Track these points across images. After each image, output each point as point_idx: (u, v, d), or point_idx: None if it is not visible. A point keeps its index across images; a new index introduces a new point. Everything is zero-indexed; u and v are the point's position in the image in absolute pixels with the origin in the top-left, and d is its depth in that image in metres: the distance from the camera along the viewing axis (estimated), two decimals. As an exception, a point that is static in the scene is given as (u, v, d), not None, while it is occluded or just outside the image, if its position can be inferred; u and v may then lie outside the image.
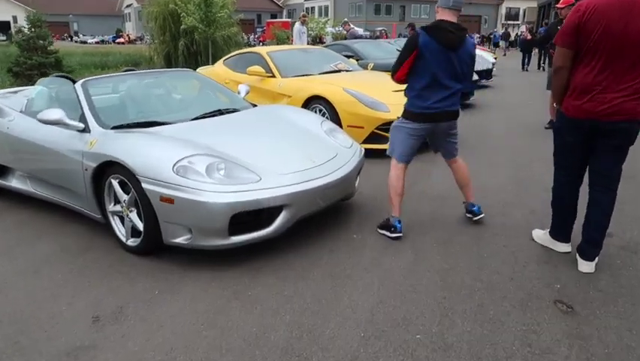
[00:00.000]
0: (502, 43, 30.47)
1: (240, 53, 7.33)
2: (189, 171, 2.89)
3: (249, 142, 3.42)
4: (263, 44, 34.95)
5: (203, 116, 3.80)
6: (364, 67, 9.12)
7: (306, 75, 6.38)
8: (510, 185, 4.54)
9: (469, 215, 3.63)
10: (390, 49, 10.39)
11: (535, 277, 2.79)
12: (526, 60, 18.11)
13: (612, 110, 2.66)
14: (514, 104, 9.64)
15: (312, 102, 5.75)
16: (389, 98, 5.60)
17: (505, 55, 27.18)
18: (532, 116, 8.02)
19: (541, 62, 17.84)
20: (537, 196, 4.08)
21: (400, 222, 3.33)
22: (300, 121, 3.95)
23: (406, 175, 3.39)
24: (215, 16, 21.45)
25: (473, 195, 3.62)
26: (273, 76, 6.40)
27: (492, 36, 32.94)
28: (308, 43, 21.32)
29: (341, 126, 5.46)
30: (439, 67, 3.08)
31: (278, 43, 23.45)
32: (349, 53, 9.37)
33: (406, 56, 3.12)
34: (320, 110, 5.67)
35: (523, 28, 50.00)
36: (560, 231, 3.14)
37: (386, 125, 5.40)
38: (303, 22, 12.09)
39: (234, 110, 4.04)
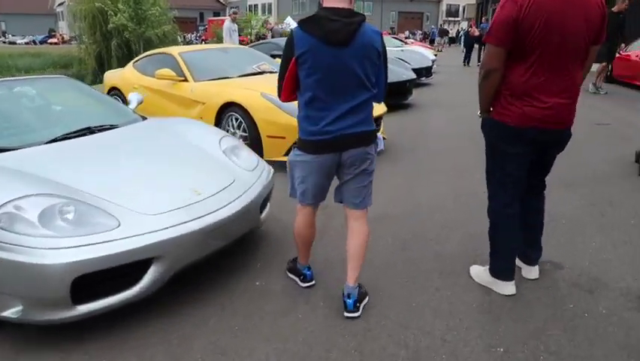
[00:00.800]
0: (438, 40, 30.63)
1: (151, 54, 6.49)
2: (16, 220, 2.13)
3: (115, 172, 2.67)
4: (205, 43, 33.68)
5: (66, 137, 3.00)
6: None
7: (223, 78, 5.65)
8: (448, 201, 4.01)
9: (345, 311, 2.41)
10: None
11: (473, 337, 2.22)
12: (469, 56, 18.07)
13: (556, 117, 2.33)
14: (454, 103, 9.26)
15: (228, 110, 5.03)
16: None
17: (441, 51, 27.29)
18: (472, 117, 7.60)
19: (481, 57, 17.85)
20: (478, 216, 3.56)
21: (309, 268, 2.68)
22: (194, 139, 3.23)
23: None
24: (146, 13, 20.27)
25: (357, 278, 2.40)
26: (185, 80, 5.62)
27: (430, 32, 33.24)
28: (250, 42, 20.47)
29: (259, 137, 4.79)
30: (327, 72, 2.16)
31: (218, 42, 22.45)
32: (279, 52, 8.71)
33: (285, 66, 2.27)
34: (237, 120, 4.96)
35: (465, 24, 51.03)
36: (502, 265, 2.61)
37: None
38: (234, 20, 11.28)
39: (111, 127, 3.27)
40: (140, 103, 3.93)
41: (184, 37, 57.60)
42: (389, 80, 2.44)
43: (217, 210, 2.56)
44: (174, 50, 6.09)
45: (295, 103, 2.37)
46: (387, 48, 2.49)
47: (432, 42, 29.96)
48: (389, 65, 2.48)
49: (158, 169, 2.78)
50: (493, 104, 2.47)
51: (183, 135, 3.28)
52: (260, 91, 4.93)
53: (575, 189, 4.02)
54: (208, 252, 2.57)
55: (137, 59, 6.66)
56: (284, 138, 4.75)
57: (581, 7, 2.21)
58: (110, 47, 21.21)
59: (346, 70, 2.18)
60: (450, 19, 58.25)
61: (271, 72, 6.12)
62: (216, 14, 65.25)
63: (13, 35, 66.88)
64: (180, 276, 2.45)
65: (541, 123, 2.33)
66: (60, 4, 65.34)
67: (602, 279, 2.71)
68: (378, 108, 5.51)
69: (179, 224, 2.38)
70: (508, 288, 2.57)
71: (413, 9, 57.83)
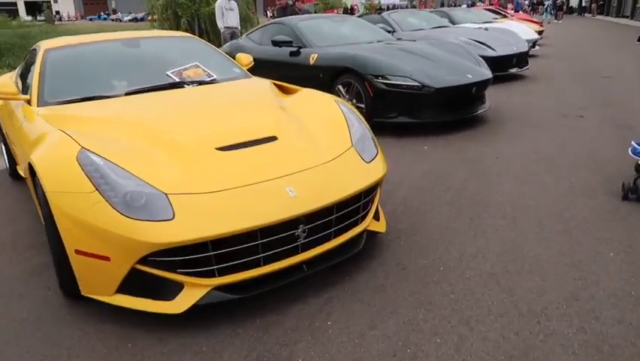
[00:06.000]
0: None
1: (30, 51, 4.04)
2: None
3: None
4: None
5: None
6: (307, 58, 5.73)
7: (95, 98, 3.06)
8: None
9: None
10: (368, 28, 6.83)
11: None
12: None
13: None
14: (551, 119, 5.88)
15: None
16: (194, 171, 2.26)
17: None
18: (577, 152, 4.34)
19: None
20: None
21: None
22: None
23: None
24: (201, -13, 18.41)
25: None
26: (29, 101, 3.13)
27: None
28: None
29: (62, 249, 2.17)
30: None
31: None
32: (283, 38, 5.96)
33: None
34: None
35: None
36: None
37: (167, 257, 2.07)
38: (230, -5, 8.68)
39: None
40: None
41: (273, 12, 55.83)
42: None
43: None
44: (43, 45, 3.59)
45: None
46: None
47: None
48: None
49: None
50: None
51: None
52: (83, 145, 2.26)
53: None
54: None
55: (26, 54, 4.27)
56: (108, 259, 2.08)
57: None
58: (180, 25, 19.96)
59: None
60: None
61: (200, 82, 3.44)
62: (308, -13, 62.77)
63: (121, 13, 70.42)
64: None
65: None
66: (162, -19, 66.86)
67: None
68: (372, 171, 2.63)
69: None
70: None
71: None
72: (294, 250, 2.29)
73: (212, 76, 3.56)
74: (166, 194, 2.09)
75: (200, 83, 3.45)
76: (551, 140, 4.81)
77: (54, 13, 69.96)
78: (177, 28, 20.22)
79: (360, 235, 2.59)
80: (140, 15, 62.64)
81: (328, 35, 6.13)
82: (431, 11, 10.41)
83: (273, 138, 2.56)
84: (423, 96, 4.91)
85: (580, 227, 2.96)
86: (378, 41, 6.14)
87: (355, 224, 2.55)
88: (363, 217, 2.60)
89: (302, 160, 2.45)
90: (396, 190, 3.65)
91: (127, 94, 3.17)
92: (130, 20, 60.23)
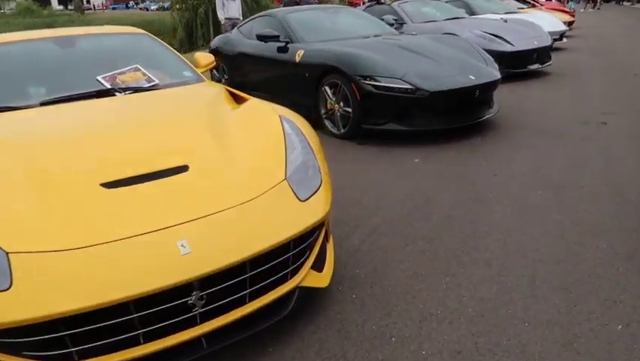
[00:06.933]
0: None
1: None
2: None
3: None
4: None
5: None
6: (294, 54, 5.19)
7: (3, 110, 2.59)
8: None
9: None
10: (365, 20, 6.22)
11: None
12: None
13: None
14: (562, 128, 5.17)
15: None
16: (61, 217, 1.74)
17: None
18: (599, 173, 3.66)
19: None
20: None
21: None
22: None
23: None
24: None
25: None
26: None
27: None
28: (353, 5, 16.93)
29: None
30: None
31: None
32: (269, 32, 5.42)
33: None
34: None
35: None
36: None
37: (5, 337, 1.56)
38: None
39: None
40: None
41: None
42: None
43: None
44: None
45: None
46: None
47: None
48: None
49: None
50: None
51: None
52: None
53: None
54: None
55: None
56: None
57: None
58: (198, 15, 19.64)
59: None
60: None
61: (137, 89, 2.93)
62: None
63: (149, 1, 70.96)
64: None
65: None
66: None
67: None
68: (307, 213, 2.07)
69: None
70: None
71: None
72: (191, 320, 1.76)
73: (153, 81, 3.04)
74: (7, 253, 1.58)
75: (137, 89, 2.94)
76: (564, 155, 4.12)
77: (85, 2, 70.82)
78: (195, 17, 19.87)
79: (291, 292, 2.04)
80: (167, 4, 62.92)
81: (320, 29, 5.54)
82: (448, 0, 9.66)
83: (182, 169, 2.03)
84: (416, 101, 4.29)
85: (583, 281, 2.33)
86: (375, 36, 5.51)
87: (283, 280, 2.00)
88: (295, 271, 2.05)
89: (211, 200, 1.91)
90: (367, 218, 3.08)
91: (42, 104, 2.68)
92: (157, 9, 60.45)
